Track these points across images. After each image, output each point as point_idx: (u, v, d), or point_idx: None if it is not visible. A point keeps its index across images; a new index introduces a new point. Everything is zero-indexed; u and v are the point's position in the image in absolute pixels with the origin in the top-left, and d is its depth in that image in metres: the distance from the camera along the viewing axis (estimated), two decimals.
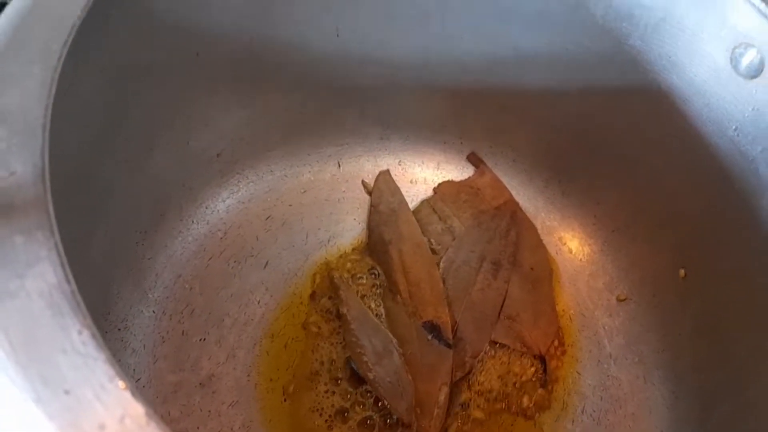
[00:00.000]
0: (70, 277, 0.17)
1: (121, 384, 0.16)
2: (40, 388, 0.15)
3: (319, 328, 0.39)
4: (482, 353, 0.38)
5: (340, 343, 0.39)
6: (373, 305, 0.40)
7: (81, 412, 0.15)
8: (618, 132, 0.39)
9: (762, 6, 0.28)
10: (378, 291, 0.40)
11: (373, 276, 0.41)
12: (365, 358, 0.37)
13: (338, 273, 0.41)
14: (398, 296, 0.39)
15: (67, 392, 0.15)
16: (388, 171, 0.45)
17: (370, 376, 0.36)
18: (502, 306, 0.40)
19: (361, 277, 0.41)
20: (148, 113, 0.33)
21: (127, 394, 0.15)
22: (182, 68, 0.34)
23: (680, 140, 0.35)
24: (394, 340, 0.37)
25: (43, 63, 0.21)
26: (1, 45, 0.21)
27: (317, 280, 0.42)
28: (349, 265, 0.42)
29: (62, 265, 0.17)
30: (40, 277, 0.17)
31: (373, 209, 0.43)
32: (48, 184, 0.18)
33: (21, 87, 0.20)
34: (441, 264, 0.41)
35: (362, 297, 0.40)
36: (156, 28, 0.30)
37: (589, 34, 0.36)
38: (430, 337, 0.37)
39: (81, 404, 0.15)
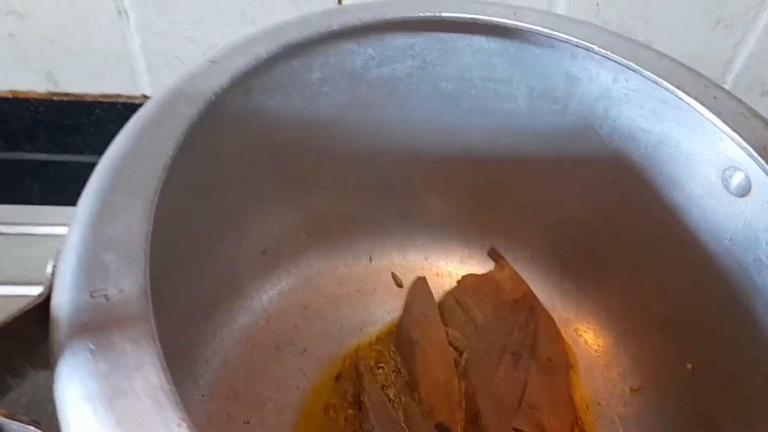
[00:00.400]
0: (170, 377, 0.21)
1: None
2: None
3: (337, 414, 0.42)
4: None
5: (356, 431, 0.42)
6: (392, 395, 0.43)
7: None
8: (624, 237, 0.42)
9: (740, 140, 0.32)
10: (398, 382, 0.44)
11: (395, 368, 0.44)
12: None
13: (365, 362, 0.45)
14: (416, 393, 0.42)
15: None
16: (425, 278, 0.49)
17: None
18: (522, 395, 0.43)
19: (383, 367, 0.45)
20: (208, 223, 0.37)
21: None
22: (240, 182, 0.39)
23: (680, 246, 0.38)
24: None
25: (143, 196, 0.26)
26: (110, 181, 0.26)
27: (346, 364, 0.45)
28: (374, 353, 0.46)
29: (162, 368, 0.21)
30: (146, 378, 0.21)
31: (406, 309, 0.47)
32: (150, 299, 0.23)
33: (126, 218, 0.25)
34: (464, 355, 0.44)
35: (383, 386, 0.43)
36: (224, 152, 0.35)
37: (596, 149, 0.41)
38: None
39: None
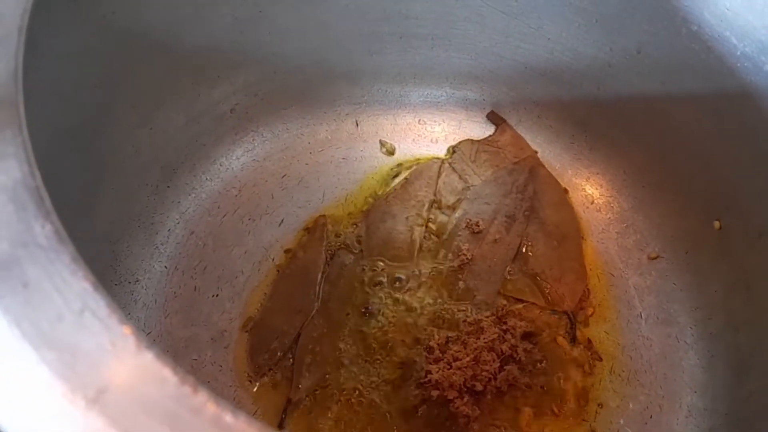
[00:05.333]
0: (36, 173, 0.16)
1: (83, 277, 0.15)
2: None
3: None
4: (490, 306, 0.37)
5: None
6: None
7: (39, 304, 0.14)
8: (642, 84, 0.37)
9: None
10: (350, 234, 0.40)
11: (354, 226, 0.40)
12: None
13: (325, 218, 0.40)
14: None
15: (25, 285, 0.14)
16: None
17: None
18: (514, 259, 0.38)
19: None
20: (155, 62, 0.32)
21: (89, 287, 0.14)
22: (192, 20, 0.33)
23: (709, 83, 0.33)
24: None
25: None
26: None
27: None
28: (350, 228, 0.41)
29: (28, 162, 0.16)
30: (5, 172, 0.16)
31: (407, 180, 0.42)
32: (20, 85, 0.17)
33: None
34: (455, 215, 0.39)
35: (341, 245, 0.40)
36: None
37: None
38: None
39: (39, 297, 0.14)
